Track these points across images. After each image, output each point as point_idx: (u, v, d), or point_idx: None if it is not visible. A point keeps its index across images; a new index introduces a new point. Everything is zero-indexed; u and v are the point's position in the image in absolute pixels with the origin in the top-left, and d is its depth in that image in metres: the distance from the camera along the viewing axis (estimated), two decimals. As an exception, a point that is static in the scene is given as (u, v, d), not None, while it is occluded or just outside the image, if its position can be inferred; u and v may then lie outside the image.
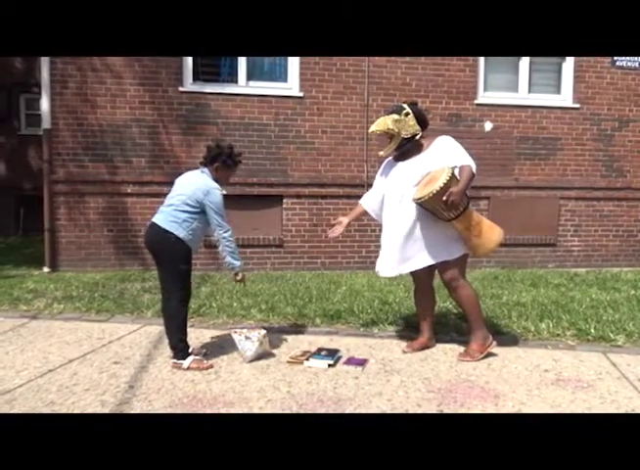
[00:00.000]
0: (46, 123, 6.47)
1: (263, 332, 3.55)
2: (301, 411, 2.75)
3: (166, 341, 3.48)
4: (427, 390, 3.04)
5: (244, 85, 6.78)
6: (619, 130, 7.36)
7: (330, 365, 3.39)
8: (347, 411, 2.75)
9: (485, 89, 7.18)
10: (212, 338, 3.98)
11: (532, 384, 3.13)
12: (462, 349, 3.63)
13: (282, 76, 6.89)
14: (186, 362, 3.33)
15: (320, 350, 3.64)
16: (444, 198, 3.19)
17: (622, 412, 2.76)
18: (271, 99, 6.73)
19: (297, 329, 4.20)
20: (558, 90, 7.36)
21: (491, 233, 3.46)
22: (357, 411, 2.76)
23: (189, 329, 3.51)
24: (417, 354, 3.63)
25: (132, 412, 2.73)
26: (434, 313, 3.87)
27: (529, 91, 7.27)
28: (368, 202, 3.75)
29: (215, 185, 3.39)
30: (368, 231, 6.82)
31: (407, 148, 3.48)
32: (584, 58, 7.15)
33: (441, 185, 3.18)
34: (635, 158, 7.42)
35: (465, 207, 3.33)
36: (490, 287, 5.65)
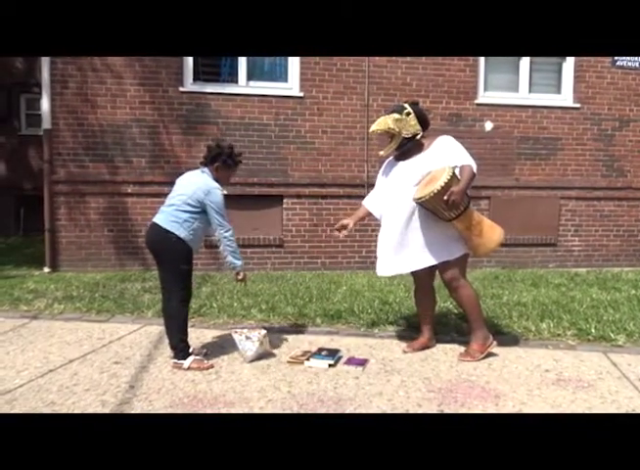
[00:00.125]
0: (46, 123, 6.48)
1: (264, 332, 3.55)
2: (302, 411, 2.75)
3: (167, 341, 3.48)
4: (427, 390, 3.03)
5: (244, 85, 6.78)
6: (620, 130, 7.35)
7: (330, 365, 3.39)
8: (348, 411, 2.75)
9: (486, 89, 7.18)
10: (213, 338, 3.98)
11: (533, 384, 3.13)
12: (462, 349, 3.63)
13: (282, 76, 6.89)
14: (186, 362, 3.33)
15: (320, 350, 3.64)
16: (445, 197, 3.19)
17: (623, 412, 2.76)
18: (271, 99, 6.73)
19: (298, 329, 4.20)
20: (558, 90, 7.36)
21: (492, 233, 3.46)
22: (358, 411, 2.76)
23: (189, 329, 3.51)
24: (417, 354, 3.63)
25: (133, 412, 2.73)
26: (434, 313, 3.87)
27: (530, 91, 7.27)
28: (371, 203, 3.74)
29: (216, 185, 3.39)
30: (368, 231, 6.81)
31: (408, 148, 3.48)
32: (585, 58, 7.15)
33: (442, 185, 3.18)
34: (636, 157, 7.42)
35: (465, 206, 3.33)
36: (491, 287, 5.65)
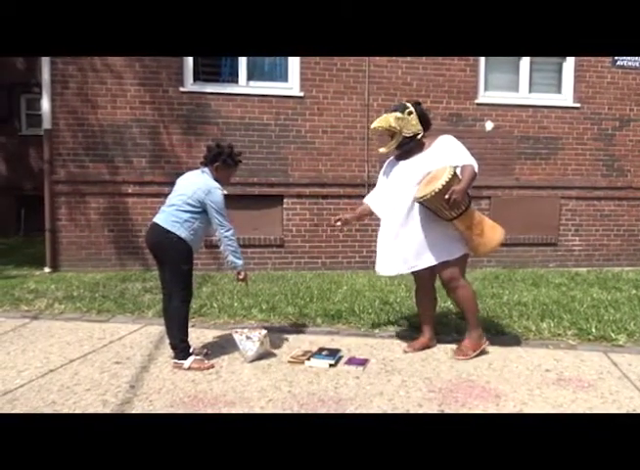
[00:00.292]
0: (47, 124, 6.48)
1: (264, 332, 3.55)
2: (302, 411, 2.75)
3: (167, 341, 3.48)
4: (428, 389, 3.03)
5: (244, 85, 6.78)
6: (620, 130, 7.35)
7: (331, 365, 3.39)
8: (348, 411, 2.75)
9: (486, 89, 7.18)
10: (213, 338, 3.99)
11: (533, 384, 3.13)
12: (463, 348, 3.64)
13: (282, 76, 6.89)
14: (187, 362, 3.33)
15: (321, 349, 3.64)
16: (446, 197, 3.19)
17: (624, 412, 2.76)
18: (272, 99, 6.73)
19: (298, 329, 4.20)
20: (559, 90, 7.36)
21: (493, 232, 3.46)
22: (358, 411, 2.76)
23: (190, 329, 3.51)
24: (418, 354, 3.63)
25: (133, 412, 2.73)
26: (435, 313, 3.87)
27: (530, 91, 7.26)
28: (373, 201, 3.74)
29: (216, 185, 3.39)
30: (369, 231, 6.81)
31: (409, 147, 3.48)
32: (585, 57, 7.15)
33: (443, 183, 3.17)
34: (636, 157, 7.41)
35: (466, 206, 3.32)
36: (491, 286, 5.65)
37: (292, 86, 6.82)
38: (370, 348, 3.77)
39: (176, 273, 3.35)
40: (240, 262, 3.48)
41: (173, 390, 3.02)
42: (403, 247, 3.47)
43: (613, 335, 3.92)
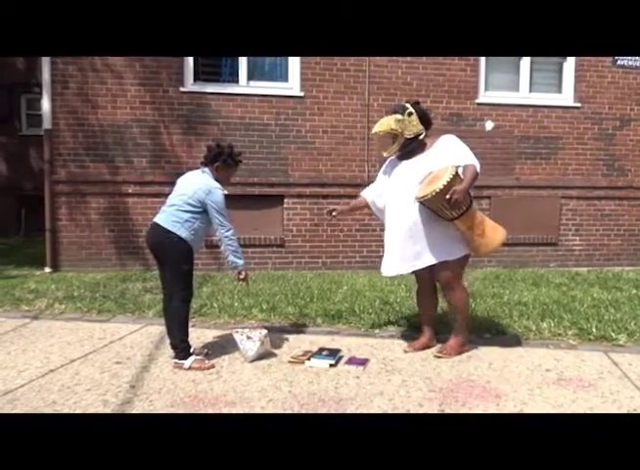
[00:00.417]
0: (47, 124, 6.48)
1: (265, 332, 3.55)
2: (303, 411, 2.76)
3: (168, 341, 3.49)
4: (428, 389, 3.03)
5: (244, 85, 6.78)
6: (621, 129, 7.35)
7: (331, 365, 3.39)
8: (349, 411, 2.76)
9: (486, 88, 7.18)
10: (214, 338, 3.99)
11: (534, 383, 3.13)
12: (463, 348, 3.65)
13: (283, 76, 6.89)
14: (187, 362, 3.33)
15: (321, 349, 3.64)
16: (447, 196, 3.18)
17: (624, 412, 2.76)
18: (272, 99, 6.73)
19: (299, 329, 4.20)
20: (559, 89, 7.35)
21: (494, 233, 3.45)
22: (359, 411, 2.76)
23: (190, 329, 3.52)
24: (418, 354, 3.63)
25: (134, 412, 2.74)
26: (435, 313, 3.87)
27: (530, 90, 7.26)
28: (370, 194, 3.77)
29: (216, 185, 3.40)
30: (369, 231, 6.82)
31: (411, 147, 3.47)
32: (585, 57, 7.14)
33: (445, 183, 3.17)
34: (636, 157, 7.41)
35: (468, 206, 3.32)
36: (492, 286, 5.65)
37: (292, 86, 6.82)
38: (370, 347, 3.77)
39: (177, 273, 3.35)
40: (241, 262, 3.48)
41: (174, 390, 3.02)
42: (405, 246, 3.47)
43: (613, 335, 3.92)
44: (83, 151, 6.51)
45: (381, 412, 2.74)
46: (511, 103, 7.15)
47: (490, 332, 4.05)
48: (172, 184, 3.59)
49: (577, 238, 7.39)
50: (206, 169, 3.48)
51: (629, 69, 7.28)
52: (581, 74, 7.22)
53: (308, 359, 3.45)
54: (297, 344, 3.85)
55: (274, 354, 3.60)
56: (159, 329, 4.03)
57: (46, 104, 6.45)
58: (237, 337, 3.49)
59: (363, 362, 3.45)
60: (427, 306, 3.76)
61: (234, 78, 6.81)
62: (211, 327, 4.27)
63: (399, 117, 3.41)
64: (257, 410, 2.76)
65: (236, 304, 4.80)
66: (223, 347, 3.74)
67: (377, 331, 4.14)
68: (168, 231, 3.32)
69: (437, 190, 3.17)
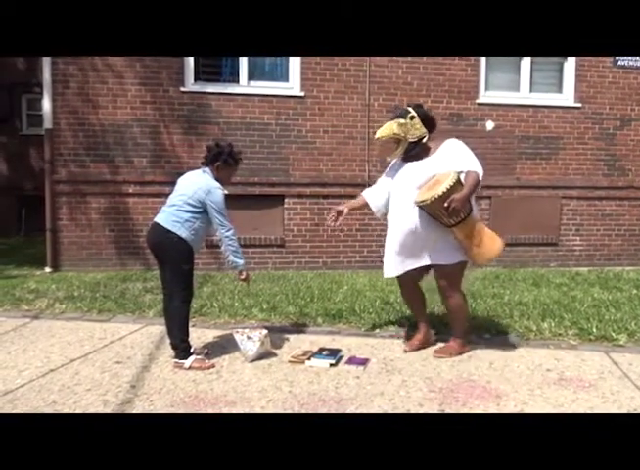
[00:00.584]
0: (48, 123, 6.48)
1: (265, 332, 3.55)
2: (303, 411, 2.75)
3: (168, 341, 3.49)
4: (428, 389, 3.03)
5: (245, 85, 6.78)
6: (621, 129, 7.34)
7: (331, 365, 3.39)
8: (349, 411, 2.75)
9: (487, 88, 7.17)
10: (214, 338, 3.99)
11: (534, 383, 3.13)
12: (464, 348, 3.65)
13: (283, 76, 6.89)
14: (188, 362, 3.33)
15: (322, 349, 3.64)
16: (445, 204, 3.16)
17: (624, 412, 2.76)
18: (272, 99, 6.73)
19: (299, 329, 4.20)
20: (559, 89, 7.35)
21: (492, 243, 3.41)
22: (359, 411, 2.76)
23: (191, 329, 3.52)
24: (418, 354, 3.63)
25: (134, 412, 2.74)
26: (426, 308, 3.89)
27: (531, 90, 7.25)
28: (370, 195, 3.73)
29: (217, 184, 3.39)
30: (369, 230, 6.82)
31: (415, 151, 3.45)
32: (586, 57, 7.14)
33: (444, 190, 3.14)
34: (637, 157, 7.40)
35: (466, 214, 3.29)
36: (492, 286, 5.64)
37: (292, 86, 6.82)
38: (371, 347, 3.77)
39: (177, 273, 3.35)
40: (241, 262, 3.47)
41: (174, 390, 3.02)
42: (405, 249, 3.47)
43: (614, 335, 3.92)
44: (84, 151, 6.52)
45: (381, 412, 2.74)
46: (511, 103, 7.14)
47: (491, 332, 4.05)
48: (173, 184, 3.59)
49: (578, 238, 7.39)
50: (207, 169, 3.48)
51: (630, 69, 7.28)
52: (582, 74, 7.22)
53: (309, 359, 3.45)
54: (297, 344, 3.85)
55: (274, 354, 3.60)
56: (159, 329, 4.03)
57: (47, 104, 6.45)
58: (237, 337, 3.49)
59: (363, 362, 3.45)
60: (417, 304, 3.79)
61: (234, 78, 6.81)
62: (212, 327, 4.27)
63: (402, 121, 3.39)
64: (258, 410, 2.76)
65: (236, 303, 4.80)
66: (223, 347, 3.74)
67: (377, 331, 4.14)
68: (168, 231, 3.32)
69: (437, 196, 3.16)
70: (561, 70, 7.32)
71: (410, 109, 3.45)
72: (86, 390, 3.01)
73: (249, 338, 3.46)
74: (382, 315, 4.45)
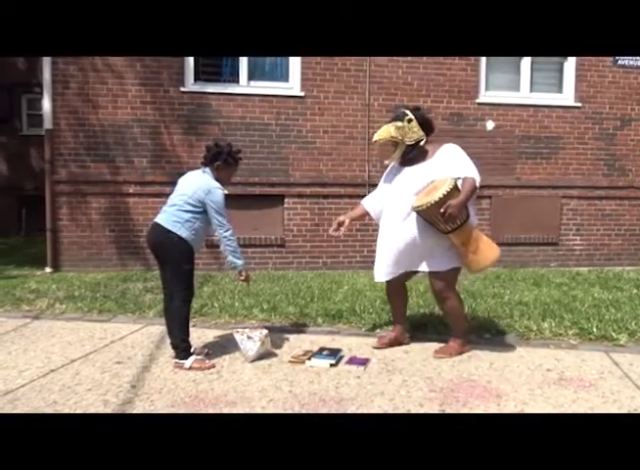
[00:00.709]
0: (48, 124, 6.48)
1: (265, 332, 3.55)
2: (303, 411, 2.75)
3: (168, 341, 3.49)
4: (429, 389, 3.03)
5: (245, 85, 6.78)
6: (622, 129, 7.34)
7: (332, 365, 3.39)
8: (350, 411, 2.76)
9: (487, 88, 7.17)
10: (214, 338, 3.99)
11: (535, 383, 3.13)
12: (464, 348, 3.65)
13: (283, 76, 6.89)
14: (188, 362, 3.33)
15: (322, 349, 3.64)
16: (442, 210, 3.17)
17: (625, 412, 2.76)
18: (272, 99, 6.73)
19: (299, 329, 4.20)
20: (560, 89, 7.35)
21: (488, 251, 3.40)
22: (359, 411, 2.76)
23: (191, 329, 3.51)
24: (419, 354, 3.63)
25: (134, 412, 2.74)
26: (406, 309, 3.92)
27: (531, 90, 7.26)
28: (370, 203, 3.75)
29: (217, 184, 3.39)
30: (370, 230, 6.81)
31: (412, 154, 3.46)
32: (586, 57, 7.14)
33: (441, 196, 3.15)
34: (637, 157, 7.41)
35: (463, 221, 3.29)
36: (492, 286, 5.64)
37: (292, 86, 6.82)
38: (371, 347, 3.77)
39: (177, 273, 3.35)
40: (240, 262, 3.47)
41: (174, 390, 3.02)
42: (399, 253, 3.48)
43: (614, 334, 3.92)
44: (84, 151, 6.52)
45: (381, 412, 2.74)
46: (512, 103, 7.14)
47: (491, 332, 4.05)
48: (173, 184, 3.59)
49: (578, 238, 7.39)
50: (207, 169, 3.48)
51: (630, 68, 7.28)
52: (582, 74, 7.22)
53: (309, 359, 3.45)
54: (297, 343, 3.85)
55: (275, 354, 3.60)
56: (159, 329, 4.04)
57: (47, 104, 6.45)
58: (237, 337, 3.49)
59: (364, 362, 3.45)
60: (398, 304, 3.81)
61: (234, 78, 6.81)
62: (212, 327, 4.27)
63: (399, 124, 3.40)
64: (258, 410, 2.76)
65: (236, 303, 4.81)
66: (224, 347, 3.74)
67: (377, 331, 4.14)
68: (169, 231, 3.32)
69: (433, 202, 3.16)
70: (561, 70, 7.32)
71: (408, 112, 3.45)
72: (87, 390, 3.01)
73: (249, 338, 3.46)
74: (382, 315, 4.45)
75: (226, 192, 3.45)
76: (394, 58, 6.80)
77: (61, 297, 5.15)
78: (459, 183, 3.28)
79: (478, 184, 3.32)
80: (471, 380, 3.18)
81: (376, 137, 3.48)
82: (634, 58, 7.25)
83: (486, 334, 4.02)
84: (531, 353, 3.64)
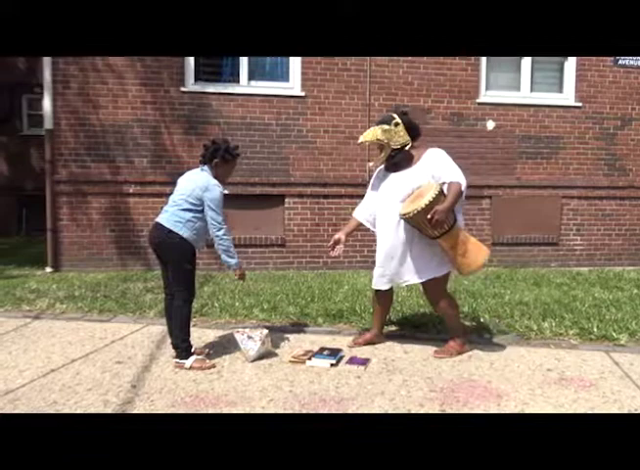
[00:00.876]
0: (48, 124, 6.48)
1: (266, 331, 3.56)
2: (304, 411, 2.76)
3: (169, 340, 3.49)
4: (429, 389, 3.03)
5: (245, 85, 6.78)
6: (622, 129, 7.34)
7: (332, 365, 3.39)
8: (350, 411, 2.76)
9: (487, 88, 7.17)
10: (215, 337, 3.99)
11: (535, 383, 3.13)
12: (464, 348, 3.64)
13: (283, 76, 6.89)
14: (188, 362, 3.33)
15: (322, 349, 3.64)
16: (429, 216, 3.18)
17: (625, 412, 2.76)
18: (273, 98, 6.74)
19: (300, 328, 4.20)
20: (560, 89, 7.35)
21: (476, 253, 3.42)
22: (360, 411, 2.76)
23: (191, 329, 3.51)
24: (419, 354, 3.63)
25: (135, 412, 2.74)
26: (388, 313, 3.94)
27: (532, 90, 7.25)
28: (361, 214, 3.79)
29: (215, 182, 3.40)
30: (370, 230, 6.80)
31: (398, 159, 3.48)
32: (586, 56, 7.14)
33: (427, 202, 3.16)
34: (638, 156, 7.40)
35: (450, 226, 3.30)
36: (493, 286, 5.64)
37: (293, 86, 6.82)
38: (371, 347, 3.77)
39: (179, 273, 3.36)
40: (233, 261, 3.45)
41: (175, 389, 3.02)
42: (394, 260, 3.50)
43: (614, 334, 3.92)
44: (84, 151, 6.52)
45: (382, 412, 2.74)
46: (512, 102, 7.14)
47: (491, 332, 4.05)
48: (173, 184, 3.59)
49: (578, 238, 7.38)
50: (205, 167, 3.49)
51: (631, 68, 7.28)
52: (582, 74, 7.22)
53: (309, 359, 3.45)
54: (297, 343, 3.85)
55: (275, 354, 3.61)
56: (160, 329, 4.04)
57: (47, 104, 6.45)
58: (238, 337, 3.49)
59: (364, 362, 3.45)
60: (381, 308, 3.81)
61: (235, 78, 6.81)
62: (212, 327, 4.27)
63: (386, 127, 3.41)
64: (258, 410, 2.76)
65: (237, 303, 4.80)
66: (224, 346, 3.74)
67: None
68: (170, 231, 3.32)
69: (420, 208, 3.17)
70: (561, 70, 7.32)
71: (395, 116, 3.47)
72: (87, 390, 3.01)
73: (249, 338, 3.46)
74: (382, 315, 4.44)
75: (226, 191, 3.45)
76: (395, 57, 6.80)
77: (61, 297, 5.15)
78: (445, 188, 3.30)
79: (463, 188, 3.33)
80: (471, 380, 3.18)
81: (361, 139, 3.50)
82: (635, 58, 7.25)
83: (487, 334, 4.02)
84: (532, 353, 3.64)
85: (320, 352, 3.56)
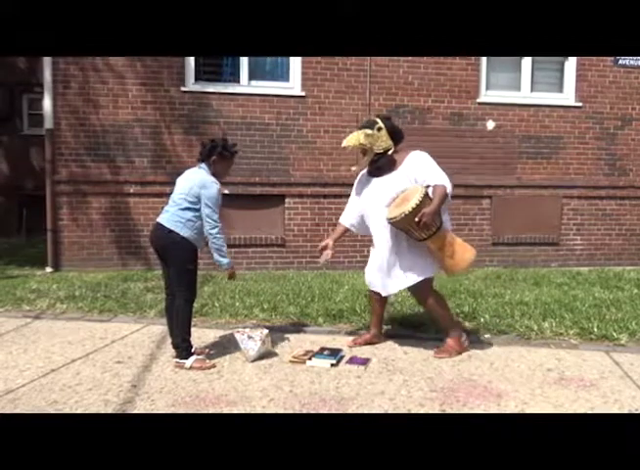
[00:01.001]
0: (48, 123, 6.48)
1: (266, 331, 3.56)
2: (304, 411, 2.76)
3: (169, 340, 3.49)
4: (429, 389, 3.04)
5: (246, 85, 6.78)
6: (622, 129, 7.34)
7: (332, 365, 3.39)
8: (350, 411, 2.76)
9: (488, 88, 7.17)
10: (215, 337, 3.99)
11: (535, 383, 3.13)
12: (464, 348, 3.65)
13: (284, 76, 6.89)
14: (189, 362, 3.33)
15: (322, 349, 3.64)
16: (416, 219, 3.20)
17: (625, 412, 2.76)
18: (273, 98, 6.73)
19: (300, 328, 4.21)
20: (560, 89, 7.34)
21: (463, 253, 3.44)
22: (360, 411, 2.76)
23: (192, 329, 3.51)
24: (420, 354, 3.63)
25: (135, 412, 2.74)
26: (383, 313, 3.93)
27: (532, 90, 7.25)
28: (347, 219, 3.80)
29: (212, 179, 3.41)
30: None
31: (380, 163, 3.49)
32: (587, 56, 7.13)
33: (413, 206, 3.18)
34: (638, 156, 7.40)
35: (437, 227, 3.32)
36: (493, 286, 5.64)
37: (293, 86, 6.82)
38: (371, 347, 3.77)
39: (180, 273, 3.36)
40: (225, 261, 3.44)
41: (175, 389, 3.03)
42: (386, 266, 3.50)
43: (614, 334, 3.92)
44: (85, 151, 6.52)
45: (382, 412, 2.74)
46: (512, 102, 7.14)
47: (492, 332, 4.05)
48: (174, 184, 3.60)
49: (579, 238, 7.38)
50: (203, 165, 3.50)
51: (631, 68, 7.28)
52: (583, 74, 7.21)
53: (309, 359, 3.46)
54: (298, 343, 3.85)
55: (275, 354, 3.61)
56: (160, 329, 4.04)
57: (47, 104, 6.46)
58: (238, 336, 3.49)
59: (364, 362, 3.45)
60: (379, 311, 3.82)
61: (235, 78, 6.81)
62: (213, 327, 4.27)
63: (369, 131, 3.42)
64: (258, 410, 2.77)
65: (237, 303, 4.81)
66: (224, 346, 3.74)
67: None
68: (171, 231, 3.32)
69: (406, 212, 3.19)
70: (562, 70, 7.32)
71: (378, 120, 3.47)
72: (87, 389, 3.02)
73: (250, 337, 3.46)
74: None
75: (226, 191, 3.45)
76: (395, 57, 6.80)
77: (61, 296, 5.15)
78: (429, 191, 3.31)
79: (449, 190, 3.34)
80: (471, 380, 3.18)
81: (345, 143, 3.51)
82: (635, 58, 7.25)
83: (487, 334, 4.02)
84: (532, 353, 3.64)
85: (320, 352, 3.56)
